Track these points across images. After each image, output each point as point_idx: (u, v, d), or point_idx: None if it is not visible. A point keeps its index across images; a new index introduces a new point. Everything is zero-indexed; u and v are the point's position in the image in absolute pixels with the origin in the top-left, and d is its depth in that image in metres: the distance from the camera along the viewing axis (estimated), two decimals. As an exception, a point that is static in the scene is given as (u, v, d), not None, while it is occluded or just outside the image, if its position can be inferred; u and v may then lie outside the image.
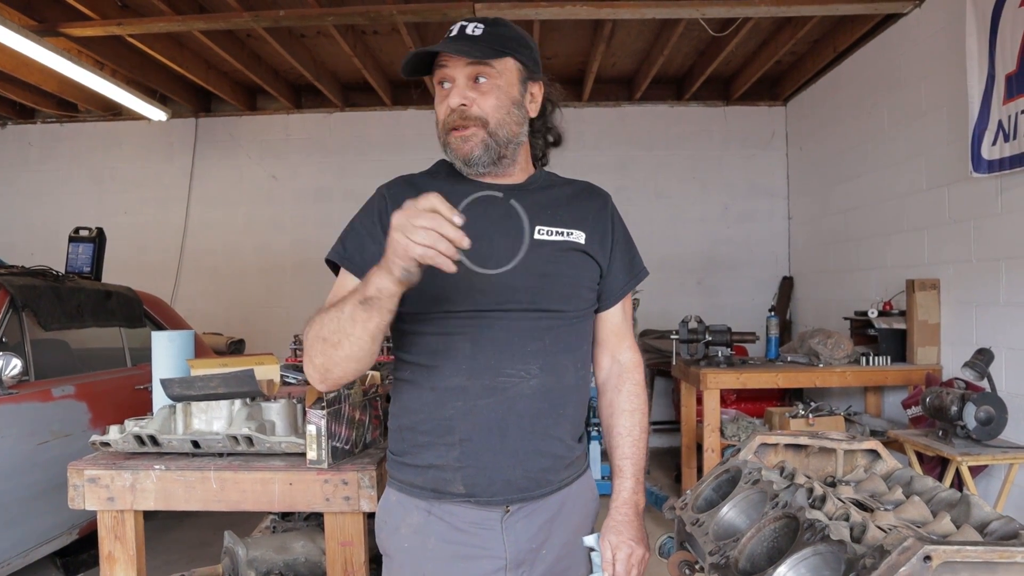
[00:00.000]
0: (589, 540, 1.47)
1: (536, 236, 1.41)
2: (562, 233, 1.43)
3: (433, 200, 1.08)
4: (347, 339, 1.22)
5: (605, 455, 5.02)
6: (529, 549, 1.39)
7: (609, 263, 1.50)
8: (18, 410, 3.18)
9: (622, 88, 6.63)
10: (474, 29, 1.38)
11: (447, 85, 1.40)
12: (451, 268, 1.09)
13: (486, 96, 1.39)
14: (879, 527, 0.97)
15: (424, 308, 1.38)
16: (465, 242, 1.07)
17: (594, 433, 4.93)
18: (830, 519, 1.02)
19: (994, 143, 3.49)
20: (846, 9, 4.40)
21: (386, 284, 1.15)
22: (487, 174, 1.45)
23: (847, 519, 1.01)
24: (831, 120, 5.65)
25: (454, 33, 1.40)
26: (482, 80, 1.39)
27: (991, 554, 0.84)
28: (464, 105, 1.38)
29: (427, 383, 1.39)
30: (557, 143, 1.56)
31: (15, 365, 3.09)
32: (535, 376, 1.37)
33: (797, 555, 0.98)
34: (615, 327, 1.56)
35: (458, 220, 1.07)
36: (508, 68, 1.42)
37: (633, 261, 1.56)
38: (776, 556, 1.04)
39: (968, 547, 0.83)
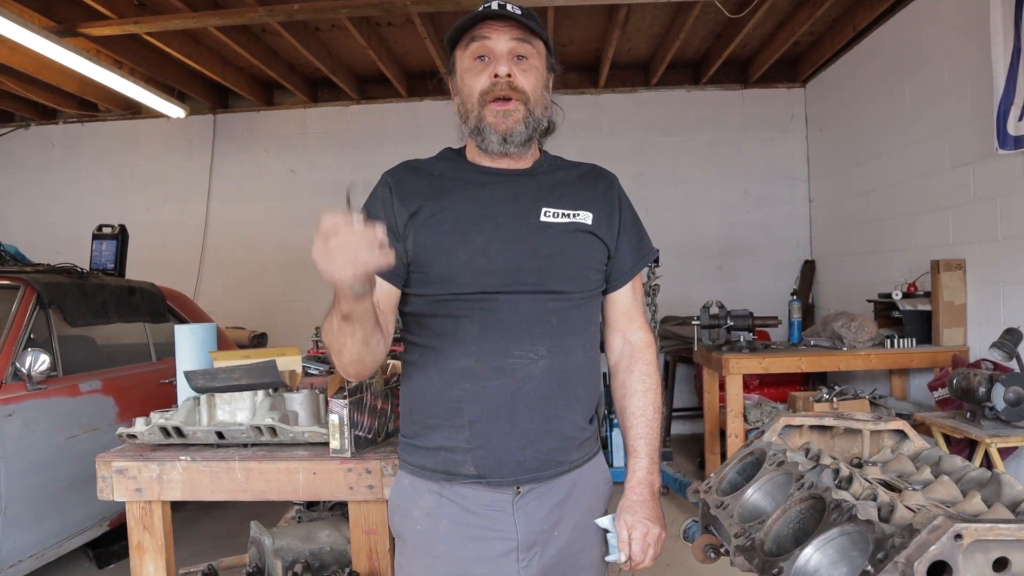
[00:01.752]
0: (604, 522, 1.47)
1: (543, 218, 1.41)
2: (568, 215, 1.43)
3: (328, 220, 1.02)
4: (345, 347, 1.26)
5: (627, 442, 5.01)
6: (541, 530, 1.39)
7: (617, 244, 1.50)
8: (47, 405, 3.24)
9: (638, 73, 6.57)
10: (513, 7, 1.38)
11: (485, 59, 1.39)
12: (389, 261, 1.05)
13: (527, 73, 1.40)
14: (907, 507, 0.96)
15: (432, 291, 1.39)
16: (380, 232, 1.03)
17: (616, 420, 4.91)
18: (857, 499, 1.01)
19: (1020, 119, 3.42)
20: (866, -14, 4.33)
21: (352, 304, 1.16)
22: (500, 158, 1.44)
23: (874, 499, 1.00)
24: (851, 101, 5.56)
25: (494, 7, 1.37)
26: (523, 58, 1.40)
27: (1024, 532, 0.82)
28: (511, 76, 1.38)
29: (435, 366, 1.39)
30: (551, 130, 1.53)
31: (43, 361, 3.14)
32: (543, 357, 1.37)
33: (824, 536, 0.97)
34: (625, 308, 1.55)
35: (358, 223, 1.01)
36: (541, 51, 1.44)
37: (641, 242, 1.55)
38: (802, 537, 1.03)
39: (1001, 525, 0.82)
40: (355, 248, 1.02)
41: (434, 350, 1.40)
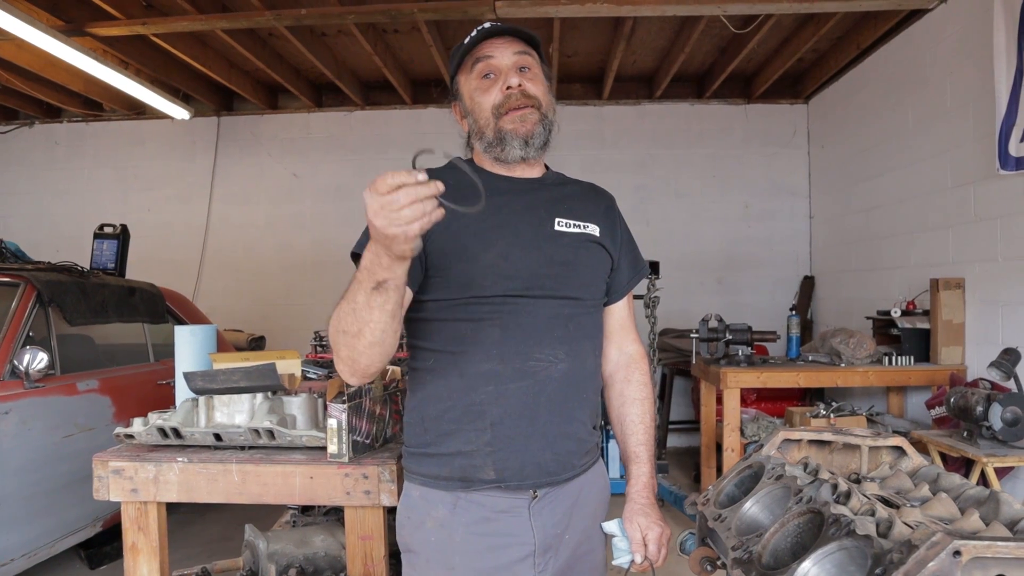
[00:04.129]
0: (610, 526, 1.49)
1: (556, 227, 1.46)
2: (579, 225, 1.48)
3: (392, 177, 1.00)
4: (367, 326, 1.17)
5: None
6: (555, 534, 1.41)
7: (618, 258, 1.56)
8: (44, 403, 3.23)
9: (642, 86, 6.60)
10: (504, 26, 1.45)
11: (491, 76, 1.45)
12: (441, 212, 1.03)
13: (534, 81, 1.46)
14: (906, 523, 0.96)
15: (452, 295, 1.39)
16: (440, 186, 1.01)
17: (612, 431, 4.91)
18: (855, 515, 1.01)
19: (1022, 140, 3.43)
20: (870, 5, 4.35)
21: (397, 266, 1.10)
22: (516, 166, 1.49)
23: (873, 515, 1.00)
24: (854, 118, 5.59)
25: (487, 26, 1.44)
26: (526, 69, 1.46)
27: (1023, 550, 0.82)
28: (521, 86, 1.43)
29: (455, 370, 1.39)
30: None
31: (41, 359, 3.14)
32: (563, 360, 1.40)
33: (822, 550, 0.97)
34: (621, 320, 1.61)
35: (422, 177, 1.00)
36: (537, 60, 1.50)
37: (636, 258, 1.63)
38: (800, 551, 1.03)
39: (1000, 543, 0.82)
40: (421, 202, 1.00)
41: (453, 354, 1.39)
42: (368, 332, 1.18)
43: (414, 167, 1.02)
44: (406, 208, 0.99)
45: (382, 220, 1.01)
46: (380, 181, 1.00)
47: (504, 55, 1.44)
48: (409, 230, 1.01)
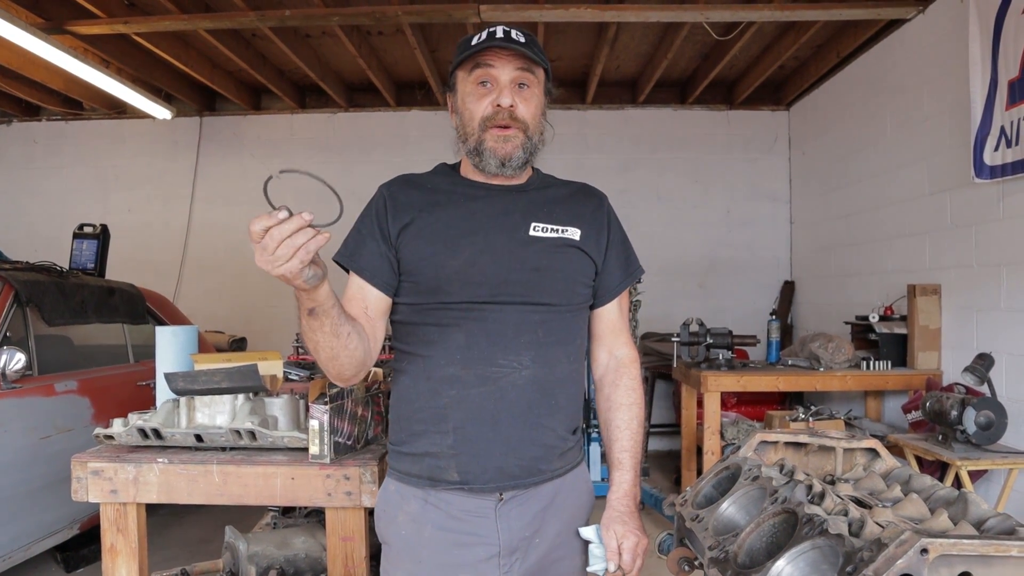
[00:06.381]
0: (587, 532, 1.49)
1: (531, 232, 1.45)
2: (557, 230, 1.47)
3: (256, 224, 1.04)
4: (317, 345, 1.28)
5: (605, 457, 5.02)
6: (522, 537, 1.41)
7: (605, 261, 1.54)
8: (21, 404, 3.20)
9: (626, 91, 6.64)
10: (517, 35, 1.42)
11: (487, 85, 1.43)
12: (325, 236, 1.08)
13: (528, 102, 1.45)
14: (877, 523, 0.98)
15: (421, 300, 1.42)
16: (307, 216, 1.05)
17: (594, 435, 4.93)
18: (828, 514, 1.03)
19: (996, 149, 3.50)
20: (849, 15, 4.42)
21: (310, 296, 1.18)
22: (496, 176, 1.48)
23: (845, 514, 1.02)
24: (834, 125, 5.66)
25: (499, 35, 1.41)
26: (524, 87, 1.44)
27: (987, 548, 0.85)
28: (512, 106, 1.42)
29: (422, 373, 1.42)
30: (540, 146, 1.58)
31: (19, 359, 3.10)
32: (527, 367, 1.40)
33: (796, 549, 0.99)
34: (611, 323, 1.59)
35: (283, 214, 1.04)
36: (541, 78, 1.48)
37: (629, 259, 1.60)
38: (775, 551, 1.05)
39: (965, 540, 0.85)
40: (290, 237, 1.04)
41: (422, 357, 1.43)
42: (320, 350, 1.29)
43: (271, 203, 1.07)
44: (279, 249, 1.04)
45: (265, 265, 1.06)
46: (250, 229, 1.04)
47: (505, 68, 1.42)
48: (290, 267, 1.06)
